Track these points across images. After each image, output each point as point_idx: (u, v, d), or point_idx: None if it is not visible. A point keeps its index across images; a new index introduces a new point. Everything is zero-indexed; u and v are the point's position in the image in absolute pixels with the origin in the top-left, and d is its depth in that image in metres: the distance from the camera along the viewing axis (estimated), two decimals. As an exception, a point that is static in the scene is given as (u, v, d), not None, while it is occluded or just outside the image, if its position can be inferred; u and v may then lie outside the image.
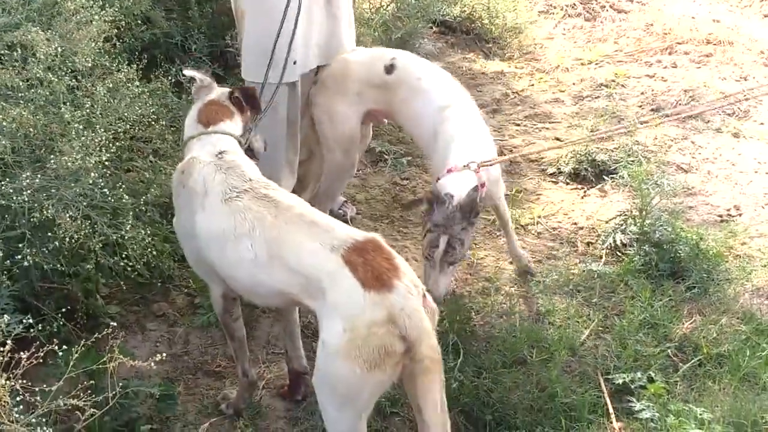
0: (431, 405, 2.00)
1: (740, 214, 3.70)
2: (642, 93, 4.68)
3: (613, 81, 4.82)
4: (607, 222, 3.58)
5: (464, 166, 2.76)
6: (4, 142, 2.13)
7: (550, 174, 3.99)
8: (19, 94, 2.36)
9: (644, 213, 3.40)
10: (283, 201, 2.19)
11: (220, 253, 2.23)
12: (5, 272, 2.21)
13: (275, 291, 2.18)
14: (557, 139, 4.28)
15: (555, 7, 5.80)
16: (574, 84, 4.83)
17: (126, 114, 2.61)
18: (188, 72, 2.61)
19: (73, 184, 2.26)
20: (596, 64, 5.06)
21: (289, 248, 2.10)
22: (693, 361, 2.80)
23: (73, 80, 2.51)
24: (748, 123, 4.39)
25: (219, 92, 2.56)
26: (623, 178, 3.66)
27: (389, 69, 3.11)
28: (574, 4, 5.81)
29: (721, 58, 5.06)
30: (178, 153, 2.95)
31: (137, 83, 2.73)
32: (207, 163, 2.30)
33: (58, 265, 2.35)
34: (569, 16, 5.72)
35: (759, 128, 4.33)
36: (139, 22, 3.63)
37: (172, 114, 3.43)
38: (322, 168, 3.32)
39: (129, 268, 2.51)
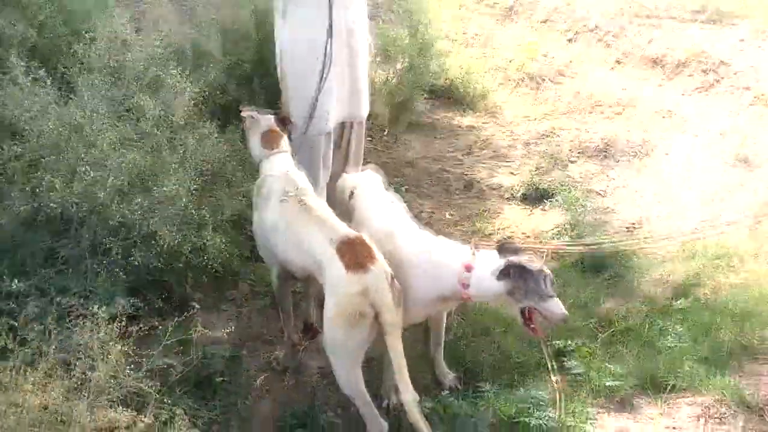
0: (394, 353, 2.03)
1: (641, 227, 3.67)
2: (572, 140, 4.64)
3: (552, 132, 4.79)
4: (547, 232, 3.56)
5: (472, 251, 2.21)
6: (122, 177, 2.14)
7: (506, 198, 3.97)
8: (134, 143, 2.38)
9: (574, 225, 3.39)
10: (311, 205, 2.26)
11: (275, 239, 2.31)
12: (122, 268, 2.21)
13: (303, 267, 2.25)
14: (512, 173, 4.26)
15: (510, 80, 5.77)
16: (523, 134, 4.81)
17: (208, 156, 2.62)
18: (246, 111, 2.66)
19: (170, 206, 2.27)
20: (540, 119, 5.03)
21: (308, 238, 2.18)
22: (609, 332, 2.78)
23: (171, 133, 2.52)
24: (647, 161, 4.36)
25: (268, 119, 2.62)
26: (559, 201, 3.64)
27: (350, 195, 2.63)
28: (523, 78, 5.79)
29: (628, 115, 5.01)
30: (245, 183, 2.96)
31: (216, 135, 2.74)
32: (275, 177, 2.40)
33: (159, 263, 2.35)
34: (520, 86, 5.69)
35: (655, 165, 4.29)
36: (217, 91, 3.64)
37: (240, 155, 3.44)
38: None
39: (209, 266, 2.51)
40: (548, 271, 2.10)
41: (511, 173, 4.26)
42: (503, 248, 2.15)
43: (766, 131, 4.65)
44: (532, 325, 2.14)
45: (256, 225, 2.44)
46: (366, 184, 2.62)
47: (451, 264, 2.16)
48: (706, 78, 5.59)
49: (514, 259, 2.08)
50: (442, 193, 4.06)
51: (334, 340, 2.08)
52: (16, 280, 1.86)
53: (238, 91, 4.18)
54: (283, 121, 2.66)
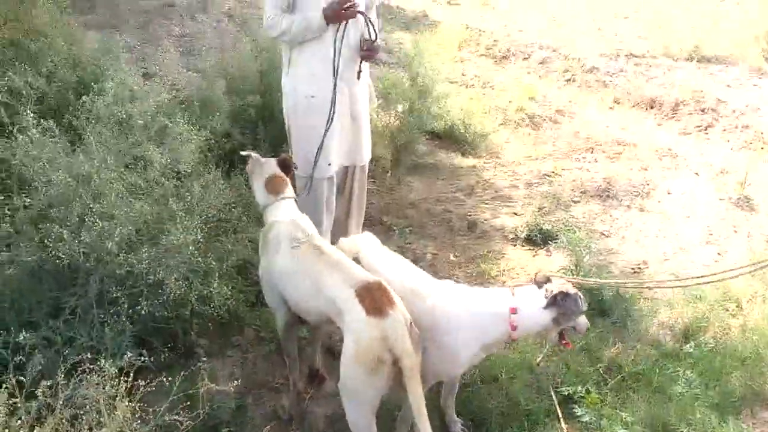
0: (414, 398, 1.98)
1: (647, 267, 3.66)
2: (573, 181, 4.66)
3: (553, 172, 4.80)
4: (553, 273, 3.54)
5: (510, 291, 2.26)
6: (130, 227, 2.15)
7: (510, 239, 3.97)
8: (141, 192, 2.40)
9: (578, 267, 3.37)
10: (326, 250, 2.27)
11: (286, 284, 2.31)
12: (129, 318, 2.20)
13: (318, 312, 2.24)
14: (515, 214, 4.27)
15: (510, 121, 5.84)
16: (525, 174, 4.82)
17: (214, 203, 2.63)
18: (245, 152, 2.68)
19: (177, 255, 2.27)
20: (540, 160, 5.06)
21: (325, 283, 2.16)
22: (618, 377, 2.74)
23: (178, 181, 2.54)
24: (649, 201, 4.37)
25: (271, 164, 2.64)
26: (563, 242, 3.63)
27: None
28: (523, 118, 5.85)
29: (628, 155, 5.06)
30: (250, 228, 2.97)
31: (221, 181, 2.76)
32: (283, 223, 2.41)
33: (165, 312, 2.34)
34: (520, 126, 5.75)
35: (657, 205, 4.31)
36: (222, 138, 3.68)
37: (245, 200, 3.45)
38: None
39: (215, 314, 2.50)
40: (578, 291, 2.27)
41: (515, 214, 4.27)
42: (538, 281, 2.26)
43: (766, 170, 4.69)
44: (565, 341, 2.28)
45: (264, 271, 2.43)
46: (368, 245, 2.51)
47: (498, 310, 2.18)
48: (704, 117, 5.67)
49: (552, 287, 2.19)
50: (446, 234, 4.06)
51: (350, 385, 2.05)
52: (23, 333, 1.85)
53: (243, 137, 4.24)
54: (286, 165, 2.69)
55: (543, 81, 7.08)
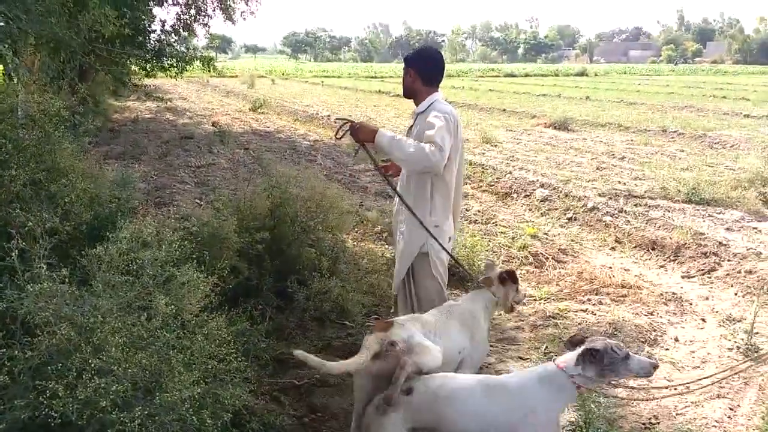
0: None
1: (658, 423, 3.50)
2: (579, 323, 4.59)
3: (558, 314, 4.76)
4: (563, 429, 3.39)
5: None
6: (127, 383, 2.11)
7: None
8: (142, 342, 2.37)
9: (587, 424, 3.23)
10: None
11: None
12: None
13: None
14: (520, 357, 4.17)
15: (513, 258, 5.91)
16: (530, 315, 4.77)
17: (215, 353, 2.59)
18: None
19: (171, 411, 2.20)
20: (545, 300, 5.04)
21: None
22: None
23: (180, 330, 2.52)
24: (657, 348, 4.28)
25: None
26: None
27: None
28: (527, 256, 5.92)
29: (633, 298, 5.03)
30: (249, 372, 2.89)
31: (225, 328, 2.73)
32: None
33: (156, 471, 2.22)
34: (524, 264, 5.80)
35: (665, 353, 4.21)
36: (231, 275, 3.71)
37: (246, 344, 3.40)
38: None
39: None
40: (610, 340, 2.38)
41: (520, 357, 4.17)
42: (571, 343, 2.54)
43: (773, 319, 4.62)
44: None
45: None
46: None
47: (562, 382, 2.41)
48: (707, 261, 5.70)
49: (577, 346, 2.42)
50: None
51: None
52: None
53: (249, 271, 4.29)
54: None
55: (545, 219, 7.24)
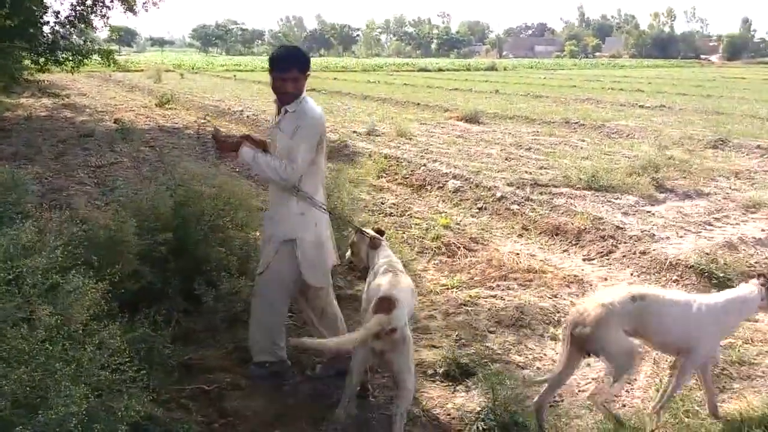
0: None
1: (562, 400, 3.66)
2: (489, 309, 4.72)
3: (469, 301, 4.87)
4: (471, 413, 3.47)
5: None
6: (5, 401, 1.93)
7: (429, 375, 3.89)
8: (24, 356, 2.19)
9: (496, 404, 3.32)
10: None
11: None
12: None
13: None
14: (433, 346, 4.23)
15: (428, 249, 5.99)
16: (442, 304, 4.85)
17: (108, 363, 2.43)
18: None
19: (57, 428, 2.05)
20: (457, 288, 5.14)
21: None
22: None
23: (67, 341, 2.35)
24: (560, 329, 4.45)
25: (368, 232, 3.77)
26: (480, 378, 3.59)
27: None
28: (440, 246, 6.02)
29: (539, 282, 5.22)
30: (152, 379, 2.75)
31: (119, 337, 2.57)
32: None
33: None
34: (437, 254, 5.90)
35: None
36: (131, 279, 3.53)
37: (147, 346, 3.24)
38: None
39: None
40: None
41: (432, 346, 4.23)
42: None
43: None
44: None
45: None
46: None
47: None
48: (605, 243, 6.03)
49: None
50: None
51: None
52: None
53: (152, 274, 4.08)
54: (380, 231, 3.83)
55: (457, 209, 7.40)
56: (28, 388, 2.05)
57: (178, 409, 3.25)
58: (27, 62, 14.86)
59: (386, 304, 2.98)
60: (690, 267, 5.22)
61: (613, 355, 3.07)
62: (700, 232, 6.28)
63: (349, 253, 3.85)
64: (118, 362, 2.42)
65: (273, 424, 3.28)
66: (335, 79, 33.64)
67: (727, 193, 7.90)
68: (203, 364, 3.84)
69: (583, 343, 3.11)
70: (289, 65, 3.27)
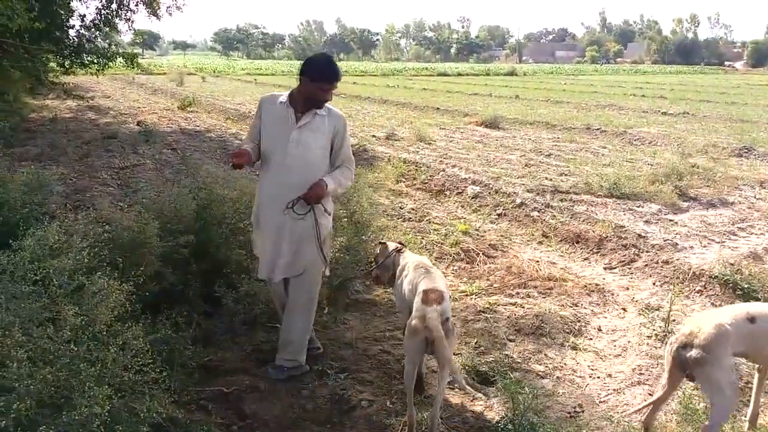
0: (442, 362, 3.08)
1: (582, 412, 3.61)
2: (508, 317, 4.68)
3: (488, 308, 4.83)
4: (490, 422, 3.44)
5: None
6: (30, 400, 1.96)
7: (449, 382, 3.86)
8: (49, 356, 2.22)
9: (516, 415, 3.29)
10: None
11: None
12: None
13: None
14: (452, 353, 4.20)
15: (446, 255, 5.97)
16: (462, 311, 4.82)
17: (130, 364, 2.46)
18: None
19: (81, 429, 2.07)
20: (476, 295, 5.11)
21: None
22: None
23: (93, 342, 2.38)
24: (581, 339, 4.42)
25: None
26: (500, 387, 3.55)
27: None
28: (459, 252, 6.00)
29: (559, 290, 5.17)
30: (171, 381, 2.76)
31: (142, 339, 2.60)
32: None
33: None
34: (456, 261, 5.87)
35: (589, 343, 4.35)
36: (153, 281, 3.56)
37: (169, 348, 3.26)
38: None
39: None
40: None
41: (453, 353, 4.21)
42: None
43: (687, 307, 4.87)
44: None
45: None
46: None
47: None
48: (627, 252, 5.95)
49: None
50: (383, 378, 3.92)
51: (405, 345, 3.42)
52: None
53: (175, 277, 4.12)
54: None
55: (476, 215, 7.36)
56: (53, 388, 2.08)
57: (198, 411, 3.27)
58: (53, 65, 15.16)
59: (434, 295, 3.18)
60: (714, 277, 5.14)
61: (722, 387, 2.76)
62: (724, 241, 6.18)
63: (373, 267, 4.00)
64: (141, 363, 2.44)
65: (291, 428, 3.29)
66: (354, 83, 33.74)
67: (752, 203, 7.77)
68: (222, 366, 3.86)
69: (687, 367, 2.86)
70: (335, 79, 3.53)
